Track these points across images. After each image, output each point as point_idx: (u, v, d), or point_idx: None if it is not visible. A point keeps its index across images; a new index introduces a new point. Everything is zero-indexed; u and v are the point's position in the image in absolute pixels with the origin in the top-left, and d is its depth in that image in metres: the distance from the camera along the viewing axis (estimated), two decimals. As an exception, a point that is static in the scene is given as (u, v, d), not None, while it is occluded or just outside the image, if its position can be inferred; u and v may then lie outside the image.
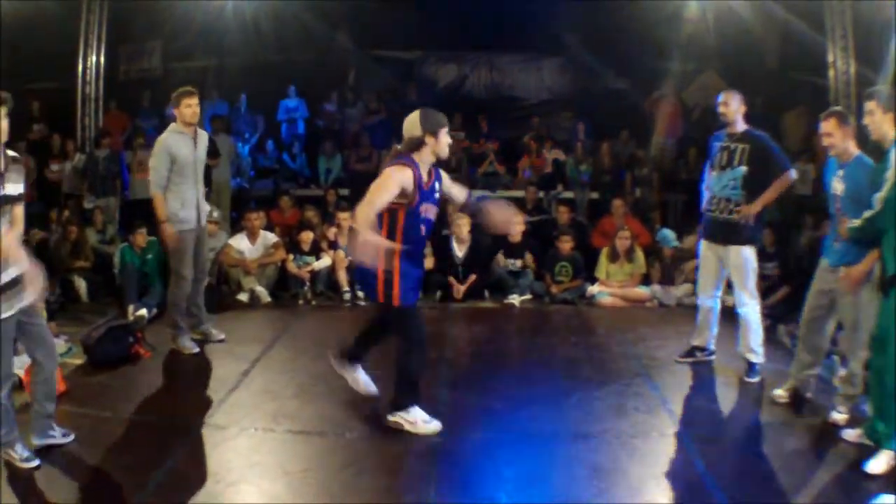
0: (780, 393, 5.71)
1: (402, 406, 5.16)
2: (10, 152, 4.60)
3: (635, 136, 12.96)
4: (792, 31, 11.71)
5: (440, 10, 13.11)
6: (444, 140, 4.95)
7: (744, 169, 6.07)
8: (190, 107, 6.69)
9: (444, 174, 5.17)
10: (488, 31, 14.00)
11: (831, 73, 11.21)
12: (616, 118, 13.28)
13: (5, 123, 4.43)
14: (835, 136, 5.14)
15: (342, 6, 13.65)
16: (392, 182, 4.76)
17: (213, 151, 11.21)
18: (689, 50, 13.18)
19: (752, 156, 6.06)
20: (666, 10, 12.55)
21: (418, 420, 5.14)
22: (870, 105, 4.76)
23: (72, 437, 4.88)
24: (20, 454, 4.55)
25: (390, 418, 5.17)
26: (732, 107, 6.22)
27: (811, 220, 9.59)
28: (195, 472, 4.58)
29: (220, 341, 7.16)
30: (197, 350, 6.84)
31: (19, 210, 4.65)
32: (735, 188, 6.13)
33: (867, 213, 4.69)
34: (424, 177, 4.93)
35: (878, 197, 4.61)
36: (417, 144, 4.90)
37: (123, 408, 5.52)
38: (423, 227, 5.00)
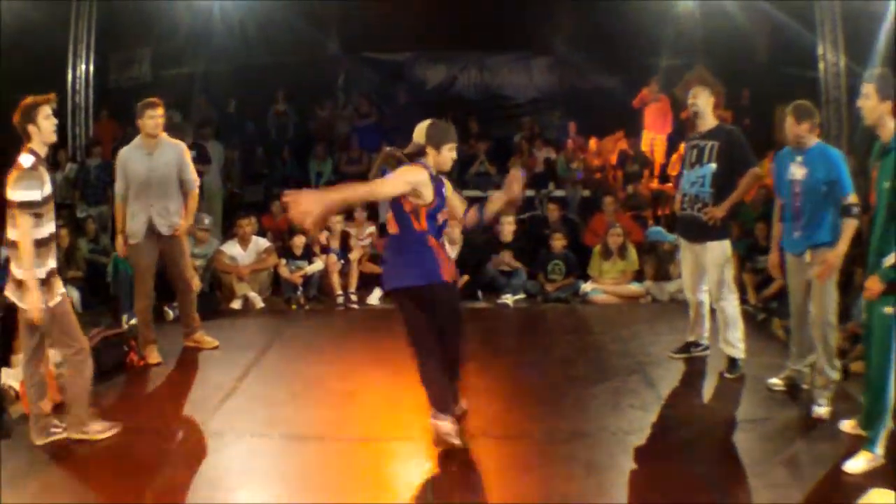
0: (776, 381, 5.74)
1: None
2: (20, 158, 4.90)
3: (626, 133, 12.96)
4: (781, 25, 11.73)
5: (429, 10, 13.10)
6: (448, 155, 4.91)
7: (713, 166, 6.08)
8: (153, 118, 6.55)
9: (447, 183, 5.07)
10: (478, 31, 14.00)
11: (821, 66, 11.25)
12: (606, 116, 13.29)
13: (48, 124, 4.91)
14: (792, 130, 5.40)
15: (331, 9, 13.66)
16: (402, 177, 4.75)
17: (202, 158, 11.22)
18: (679, 46, 13.18)
19: (722, 152, 6.06)
20: (655, 7, 12.58)
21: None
22: (867, 88, 4.63)
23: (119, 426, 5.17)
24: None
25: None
26: (701, 102, 6.22)
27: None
28: (191, 479, 4.58)
29: (214, 349, 7.10)
30: (160, 361, 6.71)
31: None
32: (703, 185, 6.13)
33: None
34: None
35: None
36: (419, 152, 4.93)
37: (118, 415, 5.49)
38: (440, 231, 4.96)
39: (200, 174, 11.05)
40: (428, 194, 4.77)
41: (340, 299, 9.00)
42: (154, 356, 6.74)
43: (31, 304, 4.75)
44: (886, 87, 4.61)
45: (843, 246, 5.06)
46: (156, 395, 6.03)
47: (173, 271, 6.93)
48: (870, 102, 4.62)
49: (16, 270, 4.83)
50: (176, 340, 7.14)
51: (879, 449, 4.48)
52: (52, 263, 4.95)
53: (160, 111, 6.61)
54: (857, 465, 4.45)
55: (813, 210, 5.25)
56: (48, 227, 4.90)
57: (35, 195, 4.74)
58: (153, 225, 6.68)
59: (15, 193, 4.72)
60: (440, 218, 4.92)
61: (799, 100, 5.52)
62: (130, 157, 6.62)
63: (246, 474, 4.64)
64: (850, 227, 5.07)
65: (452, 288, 5.05)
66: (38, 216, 4.77)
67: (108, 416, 5.43)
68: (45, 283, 4.85)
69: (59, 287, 5.00)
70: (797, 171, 5.31)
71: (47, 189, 4.84)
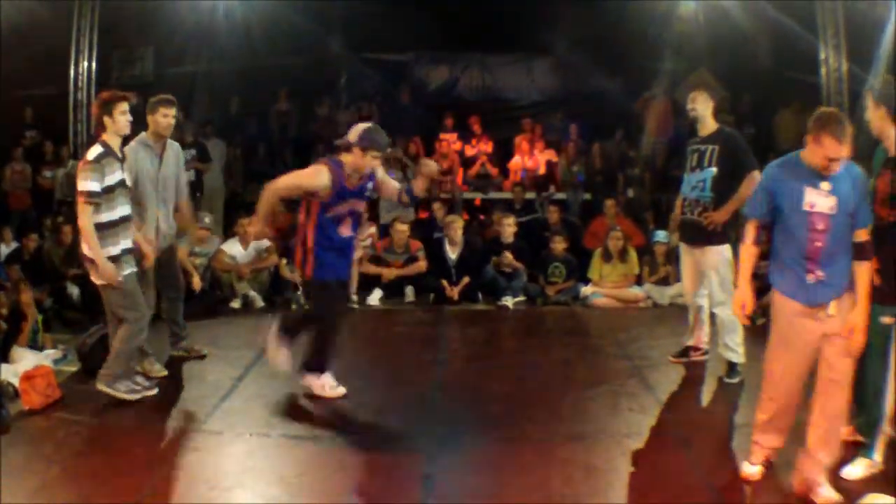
0: None
1: (311, 369, 5.78)
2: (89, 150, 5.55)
3: (627, 137, 12.96)
4: (784, 29, 11.72)
5: (431, 11, 13.10)
6: (370, 162, 5.42)
7: (713, 170, 6.08)
8: (167, 117, 6.25)
9: (380, 171, 5.73)
10: (480, 32, 13.99)
11: (823, 71, 11.24)
12: (608, 118, 13.30)
13: (123, 119, 5.48)
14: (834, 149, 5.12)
15: (333, 9, 13.66)
16: (294, 175, 5.59)
17: (204, 157, 11.23)
18: (681, 49, 13.18)
19: (722, 156, 6.06)
20: (657, 10, 12.56)
21: (327, 385, 5.78)
22: (867, 99, 4.66)
23: (155, 389, 5.89)
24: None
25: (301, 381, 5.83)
26: (700, 106, 6.21)
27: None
28: (190, 478, 4.58)
29: (201, 357, 6.87)
30: (166, 373, 6.46)
31: None
32: (704, 189, 6.13)
33: None
34: (349, 179, 5.46)
35: None
36: (345, 148, 5.42)
37: (118, 414, 5.51)
38: (347, 220, 5.65)
39: (201, 173, 11.14)
40: (323, 191, 5.39)
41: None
42: (156, 368, 6.45)
43: (104, 275, 5.42)
44: (881, 95, 4.61)
45: (866, 302, 4.18)
46: (155, 394, 6.01)
47: (168, 277, 6.66)
48: (869, 113, 4.61)
49: (85, 250, 5.46)
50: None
51: (877, 455, 4.47)
52: (124, 244, 5.56)
53: (174, 110, 6.34)
54: (855, 471, 4.43)
55: (839, 251, 4.14)
56: (119, 211, 5.50)
57: (94, 186, 5.30)
58: (159, 231, 6.40)
59: (78, 183, 5.36)
60: (338, 210, 5.53)
61: (799, 104, 5.46)
62: (140, 157, 6.17)
63: (244, 474, 4.63)
64: (866, 273, 4.18)
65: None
66: (99, 204, 5.35)
67: (104, 414, 5.45)
68: (115, 259, 5.46)
69: (128, 266, 5.60)
70: (821, 202, 4.08)
71: (112, 179, 5.41)
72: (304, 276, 5.69)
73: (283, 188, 5.54)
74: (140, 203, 6.15)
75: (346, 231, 5.65)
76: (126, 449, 4.96)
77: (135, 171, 6.04)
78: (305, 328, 5.88)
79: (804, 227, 4.10)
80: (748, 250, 4.41)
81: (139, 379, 5.92)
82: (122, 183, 5.51)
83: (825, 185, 4.07)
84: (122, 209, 5.55)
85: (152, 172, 6.26)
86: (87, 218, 5.33)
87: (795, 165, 4.18)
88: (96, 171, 5.32)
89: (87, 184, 5.30)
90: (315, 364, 5.79)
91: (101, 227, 5.40)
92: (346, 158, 5.40)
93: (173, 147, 6.51)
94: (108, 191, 5.39)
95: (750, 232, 4.37)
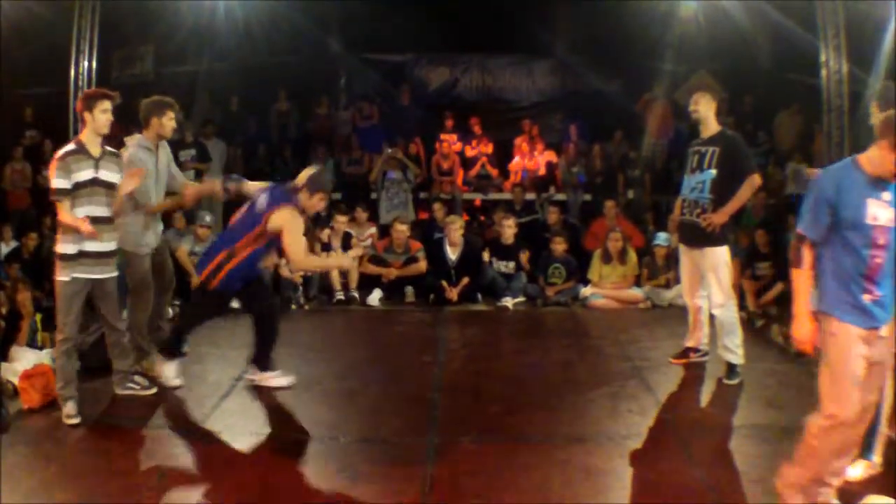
0: None
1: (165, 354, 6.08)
2: (109, 147, 5.59)
3: (627, 138, 12.96)
4: (784, 30, 11.70)
5: (431, 12, 13.10)
6: (317, 204, 5.86)
7: (713, 172, 6.08)
8: (172, 120, 6.27)
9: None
10: (480, 32, 14.00)
11: (824, 72, 11.22)
12: (608, 120, 13.30)
13: (103, 118, 5.40)
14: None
15: (333, 9, 13.66)
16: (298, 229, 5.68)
17: (203, 157, 11.23)
18: (681, 51, 13.16)
19: (722, 158, 6.06)
20: (657, 11, 12.55)
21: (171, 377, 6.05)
22: (871, 105, 4.72)
23: (154, 389, 5.90)
24: (69, 411, 5.30)
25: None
26: (702, 108, 6.20)
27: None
28: (189, 478, 4.58)
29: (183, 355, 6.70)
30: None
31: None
32: (703, 191, 6.14)
33: None
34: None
35: None
36: (295, 190, 5.74)
37: (116, 413, 5.51)
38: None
39: (201, 173, 11.14)
40: None
41: (340, 294, 9.02)
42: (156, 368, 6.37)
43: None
44: (882, 99, 4.61)
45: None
46: (154, 394, 6.01)
47: (163, 273, 6.67)
48: (874, 119, 4.55)
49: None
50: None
51: (876, 457, 4.47)
52: (82, 246, 5.33)
53: (176, 114, 6.38)
54: (854, 472, 4.40)
55: (892, 267, 3.81)
56: (82, 211, 5.29)
57: (59, 183, 5.25)
58: (156, 233, 6.46)
59: (49, 181, 5.34)
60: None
61: (798, 105, 5.44)
62: (144, 159, 6.11)
63: (244, 474, 4.63)
64: None
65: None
66: (62, 201, 5.26)
67: (105, 414, 5.45)
68: (67, 259, 5.31)
69: (80, 271, 5.35)
70: (883, 214, 3.72)
71: (79, 177, 5.29)
72: (208, 286, 5.81)
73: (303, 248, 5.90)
74: (141, 201, 6.13)
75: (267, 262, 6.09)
76: (126, 448, 4.96)
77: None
78: (188, 331, 6.28)
79: (865, 242, 3.70)
80: (804, 277, 3.93)
81: (137, 378, 5.93)
82: (92, 182, 5.38)
83: (886, 196, 3.70)
84: (88, 209, 5.34)
85: (152, 173, 6.22)
86: (63, 214, 5.27)
87: (852, 173, 3.75)
88: (61, 168, 5.25)
89: (53, 181, 5.27)
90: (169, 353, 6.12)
91: (61, 224, 5.37)
92: (300, 197, 5.72)
93: (165, 147, 6.48)
94: (74, 188, 5.30)
95: (806, 255, 3.87)
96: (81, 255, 5.33)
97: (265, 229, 5.57)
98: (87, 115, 5.39)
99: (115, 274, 5.60)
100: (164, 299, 6.88)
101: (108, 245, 5.49)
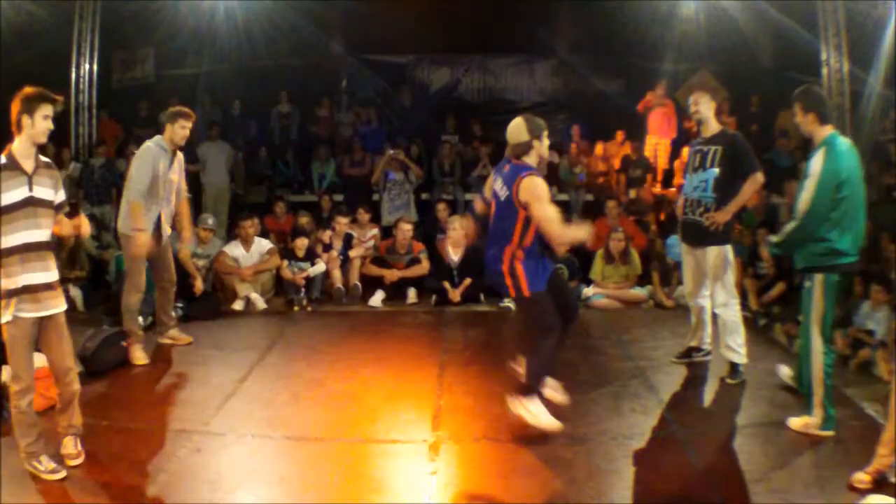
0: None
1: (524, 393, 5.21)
2: (44, 158, 4.65)
3: (629, 138, 12.96)
4: (785, 29, 11.72)
5: (432, 13, 13.10)
6: (546, 143, 5.23)
7: (716, 171, 6.08)
8: (185, 129, 6.77)
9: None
10: (481, 33, 14.01)
11: (824, 71, 11.24)
12: (609, 119, 13.30)
13: (44, 125, 4.51)
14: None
15: (334, 11, 13.66)
16: (547, 190, 5.00)
17: (191, 158, 11.40)
18: (682, 50, 13.18)
19: (725, 157, 6.05)
20: (659, 11, 12.56)
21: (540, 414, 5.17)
22: (795, 108, 5.22)
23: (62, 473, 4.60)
24: (45, 466, 4.55)
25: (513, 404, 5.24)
26: (703, 107, 6.21)
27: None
28: (192, 480, 4.58)
29: (188, 344, 7.28)
30: (147, 362, 6.79)
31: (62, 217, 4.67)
32: (705, 190, 6.14)
33: (788, 228, 5.06)
34: None
35: (800, 209, 4.94)
36: (526, 149, 5.12)
37: (120, 416, 5.52)
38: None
39: (197, 174, 11.29)
40: None
41: (341, 288, 9.08)
42: (139, 356, 6.78)
43: None
44: (808, 100, 5.21)
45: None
46: (157, 396, 6.03)
47: (162, 269, 7.13)
48: (797, 118, 5.28)
49: None
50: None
51: (816, 410, 5.09)
52: (26, 279, 4.43)
53: (191, 124, 6.85)
54: (796, 422, 5.17)
55: None
56: (19, 237, 4.40)
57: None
58: (160, 224, 6.88)
59: None
60: None
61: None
62: (160, 157, 6.71)
63: (247, 475, 4.64)
64: None
65: None
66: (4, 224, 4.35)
67: (109, 416, 5.45)
68: (11, 295, 4.43)
69: (22, 310, 4.44)
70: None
71: (11, 197, 4.37)
72: (522, 294, 5.13)
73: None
74: (149, 201, 6.69)
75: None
76: (128, 450, 4.96)
77: (154, 170, 6.64)
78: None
79: None
80: None
81: (43, 460, 4.62)
82: (26, 202, 4.41)
83: None
84: (24, 235, 4.41)
85: (165, 173, 6.75)
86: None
87: None
88: None
89: None
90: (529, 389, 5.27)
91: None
92: (530, 160, 5.14)
93: (179, 156, 6.98)
94: (7, 210, 4.34)
95: None
96: (25, 290, 4.42)
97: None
98: (25, 120, 4.44)
99: (64, 307, 4.67)
100: (167, 296, 7.23)
101: (53, 275, 4.57)
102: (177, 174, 6.94)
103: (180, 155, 7.00)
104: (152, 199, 6.72)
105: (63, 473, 4.55)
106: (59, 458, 4.67)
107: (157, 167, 6.67)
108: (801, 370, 5.45)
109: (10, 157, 4.43)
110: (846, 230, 4.95)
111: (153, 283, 7.15)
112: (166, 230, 6.98)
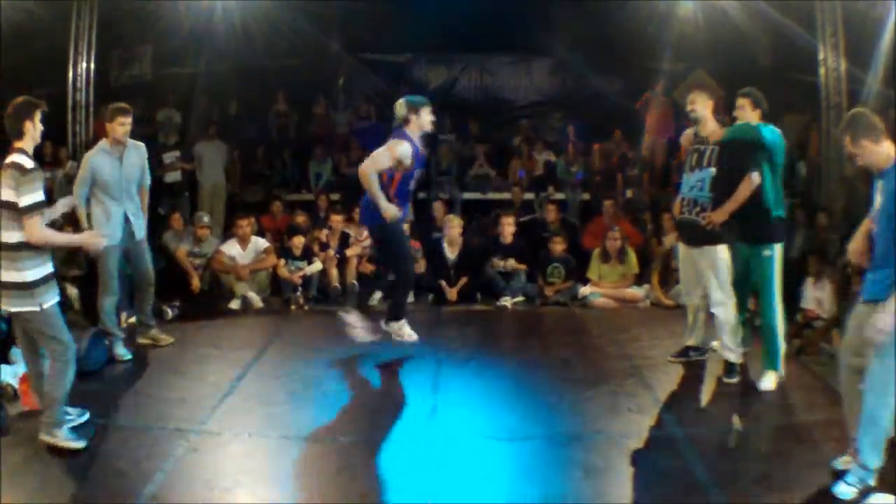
0: None
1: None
2: (17, 158, 4.61)
3: (626, 137, 12.96)
4: (782, 29, 11.70)
5: (430, 12, 13.09)
6: (426, 117, 6.44)
7: (712, 170, 6.08)
8: (123, 125, 6.70)
9: None
10: (478, 33, 13.99)
11: (822, 70, 11.23)
12: (607, 119, 13.30)
13: (40, 127, 4.78)
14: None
15: (332, 10, 13.64)
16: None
17: (187, 157, 11.42)
18: (680, 50, 13.17)
19: (721, 157, 6.05)
20: (656, 11, 12.55)
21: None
22: (740, 101, 5.90)
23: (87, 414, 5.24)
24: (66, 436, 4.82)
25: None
26: (699, 107, 6.20)
27: (804, 217, 9.64)
28: (189, 479, 4.58)
29: (169, 345, 7.22)
30: (130, 357, 6.81)
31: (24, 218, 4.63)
32: (702, 189, 6.14)
33: None
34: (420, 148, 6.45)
35: None
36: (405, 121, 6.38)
37: (116, 415, 5.52)
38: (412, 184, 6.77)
39: (192, 172, 11.34)
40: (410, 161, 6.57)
41: (338, 287, 9.09)
42: (121, 353, 6.80)
43: None
44: (758, 98, 5.90)
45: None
46: (153, 395, 6.01)
47: (140, 270, 7.08)
48: (744, 112, 5.97)
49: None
50: (176, 339, 7.28)
51: (782, 369, 5.88)
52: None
53: (129, 119, 6.77)
54: (768, 383, 5.88)
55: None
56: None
57: (42, 195, 4.65)
58: (129, 226, 6.84)
59: (22, 196, 4.55)
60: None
61: (796, 105, 5.55)
62: (101, 164, 6.70)
63: (243, 474, 4.63)
64: None
65: None
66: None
67: (105, 414, 5.45)
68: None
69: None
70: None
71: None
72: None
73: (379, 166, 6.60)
74: (104, 203, 6.71)
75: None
76: (125, 449, 4.95)
77: (96, 176, 6.66)
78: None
79: None
80: None
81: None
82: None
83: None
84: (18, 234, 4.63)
85: (115, 175, 6.73)
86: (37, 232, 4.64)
87: None
88: (39, 179, 4.64)
89: (34, 195, 4.60)
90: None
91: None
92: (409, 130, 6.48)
93: (137, 148, 6.95)
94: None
95: None
96: None
97: None
98: (27, 125, 4.71)
99: (35, 308, 4.82)
100: (143, 296, 7.17)
101: (17, 275, 4.69)
102: (135, 168, 6.89)
103: (140, 147, 6.97)
104: (111, 201, 6.73)
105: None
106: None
107: (100, 172, 6.66)
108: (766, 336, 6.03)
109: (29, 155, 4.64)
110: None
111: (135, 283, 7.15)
112: (138, 228, 6.91)
